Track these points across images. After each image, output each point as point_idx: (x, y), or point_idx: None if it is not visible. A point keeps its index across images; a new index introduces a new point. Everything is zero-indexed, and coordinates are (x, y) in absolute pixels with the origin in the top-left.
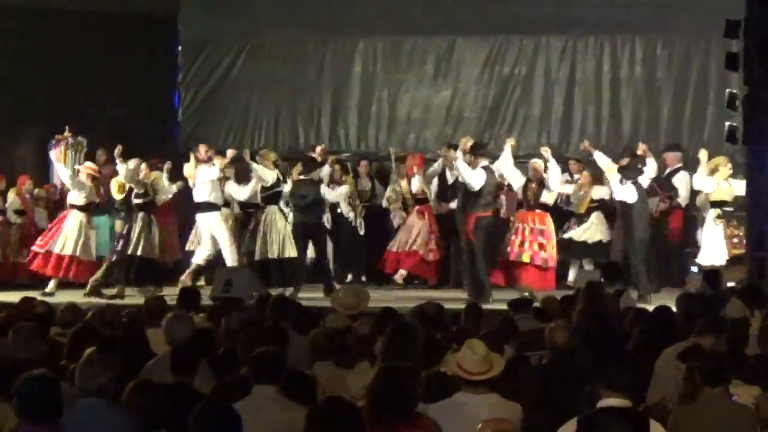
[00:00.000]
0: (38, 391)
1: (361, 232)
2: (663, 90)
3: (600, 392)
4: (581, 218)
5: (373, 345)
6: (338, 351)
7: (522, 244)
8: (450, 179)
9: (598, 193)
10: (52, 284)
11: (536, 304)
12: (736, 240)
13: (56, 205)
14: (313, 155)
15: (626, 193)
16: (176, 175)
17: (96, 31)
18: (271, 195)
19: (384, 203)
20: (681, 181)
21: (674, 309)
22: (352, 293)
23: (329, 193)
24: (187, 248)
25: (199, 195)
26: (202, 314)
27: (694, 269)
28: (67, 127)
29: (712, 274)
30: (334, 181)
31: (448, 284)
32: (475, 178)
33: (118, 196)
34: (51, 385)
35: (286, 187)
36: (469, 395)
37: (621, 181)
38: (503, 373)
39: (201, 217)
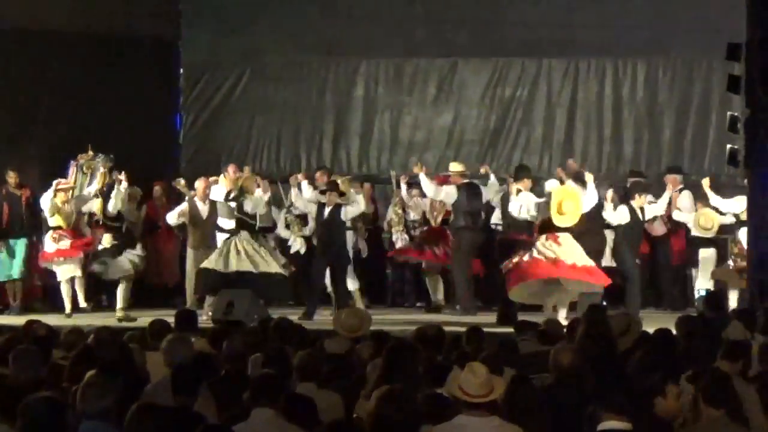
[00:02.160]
0: (43, 414)
1: (364, 255)
2: (664, 112)
3: (601, 415)
4: None
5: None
6: (328, 373)
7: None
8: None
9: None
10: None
11: (541, 327)
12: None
13: None
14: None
15: (619, 216)
16: (176, 197)
17: (97, 53)
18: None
19: (385, 226)
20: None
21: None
22: (354, 315)
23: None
24: None
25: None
26: (203, 337)
27: (702, 293)
28: (89, 146)
29: (713, 296)
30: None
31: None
32: (439, 194)
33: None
34: (56, 408)
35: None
36: (471, 418)
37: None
38: (506, 395)
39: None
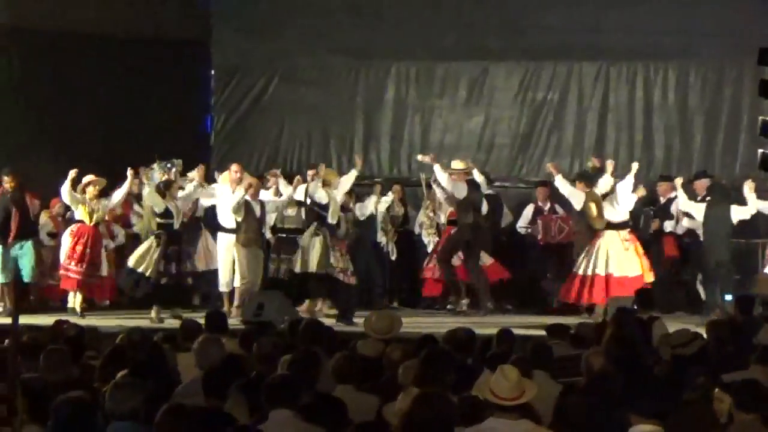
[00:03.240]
0: (74, 414)
1: (393, 257)
2: (695, 117)
3: (630, 419)
4: None
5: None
6: (363, 376)
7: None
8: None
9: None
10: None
11: (572, 331)
12: None
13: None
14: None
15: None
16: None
17: (129, 55)
18: None
19: (416, 229)
20: None
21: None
22: (385, 318)
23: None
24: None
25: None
26: (234, 338)
27: (728, 297)
28: (156, 155)
29: (744, 300)
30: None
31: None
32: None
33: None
34: (86, 408)
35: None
36: (501, 421)
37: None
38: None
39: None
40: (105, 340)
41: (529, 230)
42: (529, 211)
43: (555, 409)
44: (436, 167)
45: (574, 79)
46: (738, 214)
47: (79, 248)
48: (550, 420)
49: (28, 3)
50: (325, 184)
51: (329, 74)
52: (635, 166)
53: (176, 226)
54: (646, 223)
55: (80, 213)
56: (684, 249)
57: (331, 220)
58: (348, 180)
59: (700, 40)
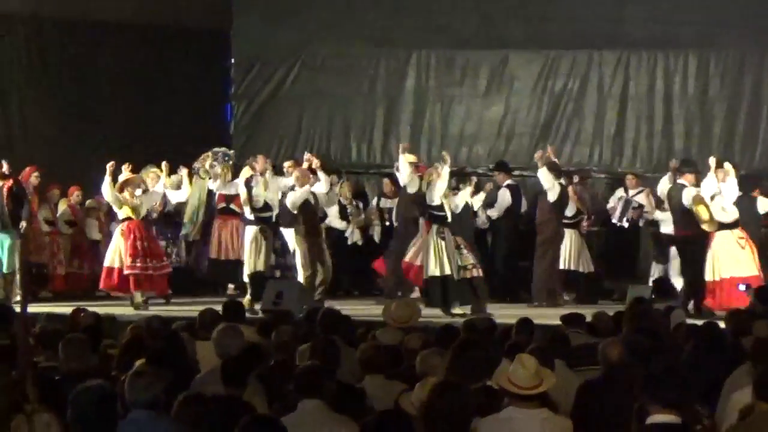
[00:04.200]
0: (94, 403)
1: None
2: (715, 105)
3: (649, 408)
4: None
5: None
6: (388, 364)
7: None
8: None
9: None
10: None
11: (588, 320)
12: None
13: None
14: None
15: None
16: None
17: (149, 45)
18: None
19: None
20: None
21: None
22: (404, 307)
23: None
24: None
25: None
26: (252, 327)
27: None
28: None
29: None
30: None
31: None
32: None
33: None
34: (106, 396)
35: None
36: (520, 410)
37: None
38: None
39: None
40: (123, 329)
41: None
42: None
43: (575, 399)
44: (401, 157)
45: (594, 68)
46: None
47: (138, 244)
48: (569, 409)
49: None
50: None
51: (349, 63)
52: (713, 161)
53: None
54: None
55: (125, 211)
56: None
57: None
58: (445, 177)
59: (721, 29)
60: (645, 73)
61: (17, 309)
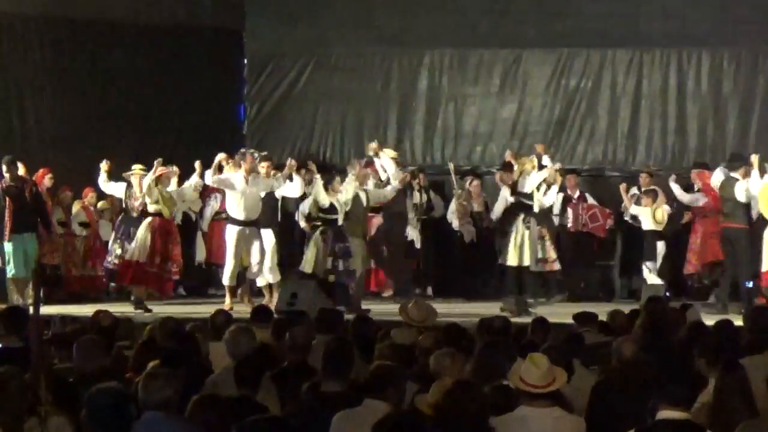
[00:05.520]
0: (108, 404)
1: (418, 245)
2: (729, 103)
3: (658, 405)
4: None
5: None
6: (403, 364)
7: None
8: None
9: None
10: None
11: (602, 318)
12: None
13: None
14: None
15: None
16: None
17: (162, 44)
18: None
19: (449, 217)
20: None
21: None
22: (421, 306)
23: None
24: None
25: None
26: (265, 328)
27: (749, 284)
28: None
29: None
30: None
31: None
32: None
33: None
34: (121, 397)
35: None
36: (532, 408)
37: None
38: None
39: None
40: (138, 330)
41: (560, 218)
42: (559, 199)
43: (589, 398)
44: (383, 154)
45: (607, 66)
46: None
47: (158, 243)
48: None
49: None
50: None
51: (363, 62)
52: (755, 158)
53: (340, 221)
54: (679, 212)
55: (155, 207)
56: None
57: (536, 208)
58: (542, 171)
59: (734, 27)
60: (658, 71)
61: (31, 311)
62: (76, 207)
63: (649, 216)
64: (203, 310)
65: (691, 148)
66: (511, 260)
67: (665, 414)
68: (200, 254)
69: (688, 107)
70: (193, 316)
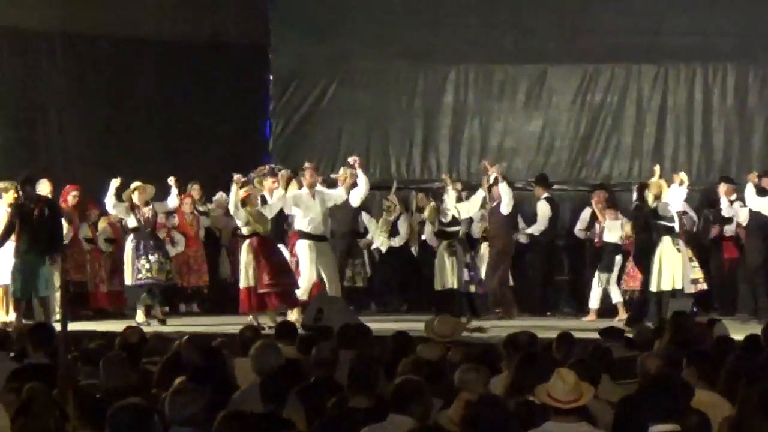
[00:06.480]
0: (131, 421)
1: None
2: (755, 118)
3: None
4: None
5: None
6: (428, 380)
7: None
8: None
9: None
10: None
11: (628, 333)
12: None
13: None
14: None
15: None
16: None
17: (187, 60)
18: None
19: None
20: None
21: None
22: (447, 322)
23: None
24: None
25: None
26: (291, 344)
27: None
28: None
29: None
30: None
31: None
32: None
33: None
34: (144, 414)
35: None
36: (559, 424)
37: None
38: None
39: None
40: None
41: (587, 234)
42: (586, 214)
43: (615, 412)
44: (359, 172)
45: (632, 82)
46: None
47: (271, 260)
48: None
49: (84, 9)
50: None
51: (388, 78)
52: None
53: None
54: (705, 228)
55: (249, 228)
56: (742, 249)
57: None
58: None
59: (759, 41)
60: (683, 86)
61: (58, 328)
62: (102, 223)
63: (619, 229)
64: (229, 323)
65: (716, 163)
66: (656, 285)
67: (658, 428)
68: (224, 270)
69: (714, 122)
70: (220, 332)
